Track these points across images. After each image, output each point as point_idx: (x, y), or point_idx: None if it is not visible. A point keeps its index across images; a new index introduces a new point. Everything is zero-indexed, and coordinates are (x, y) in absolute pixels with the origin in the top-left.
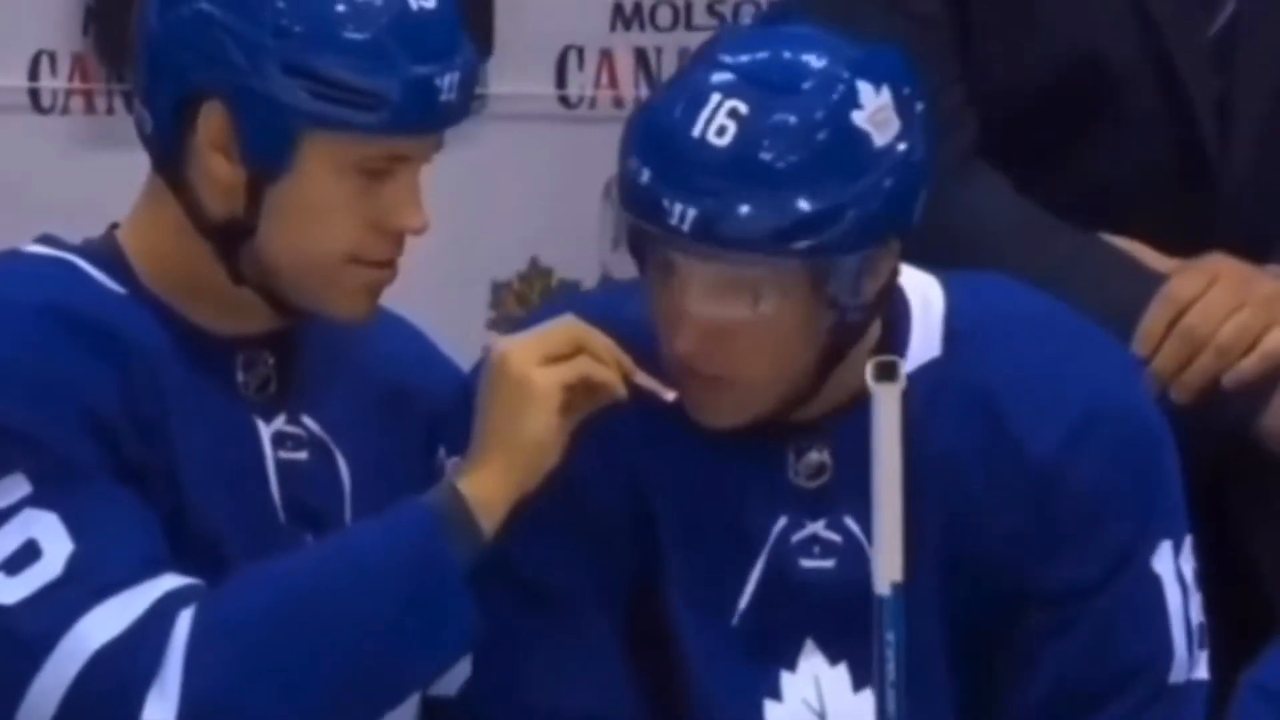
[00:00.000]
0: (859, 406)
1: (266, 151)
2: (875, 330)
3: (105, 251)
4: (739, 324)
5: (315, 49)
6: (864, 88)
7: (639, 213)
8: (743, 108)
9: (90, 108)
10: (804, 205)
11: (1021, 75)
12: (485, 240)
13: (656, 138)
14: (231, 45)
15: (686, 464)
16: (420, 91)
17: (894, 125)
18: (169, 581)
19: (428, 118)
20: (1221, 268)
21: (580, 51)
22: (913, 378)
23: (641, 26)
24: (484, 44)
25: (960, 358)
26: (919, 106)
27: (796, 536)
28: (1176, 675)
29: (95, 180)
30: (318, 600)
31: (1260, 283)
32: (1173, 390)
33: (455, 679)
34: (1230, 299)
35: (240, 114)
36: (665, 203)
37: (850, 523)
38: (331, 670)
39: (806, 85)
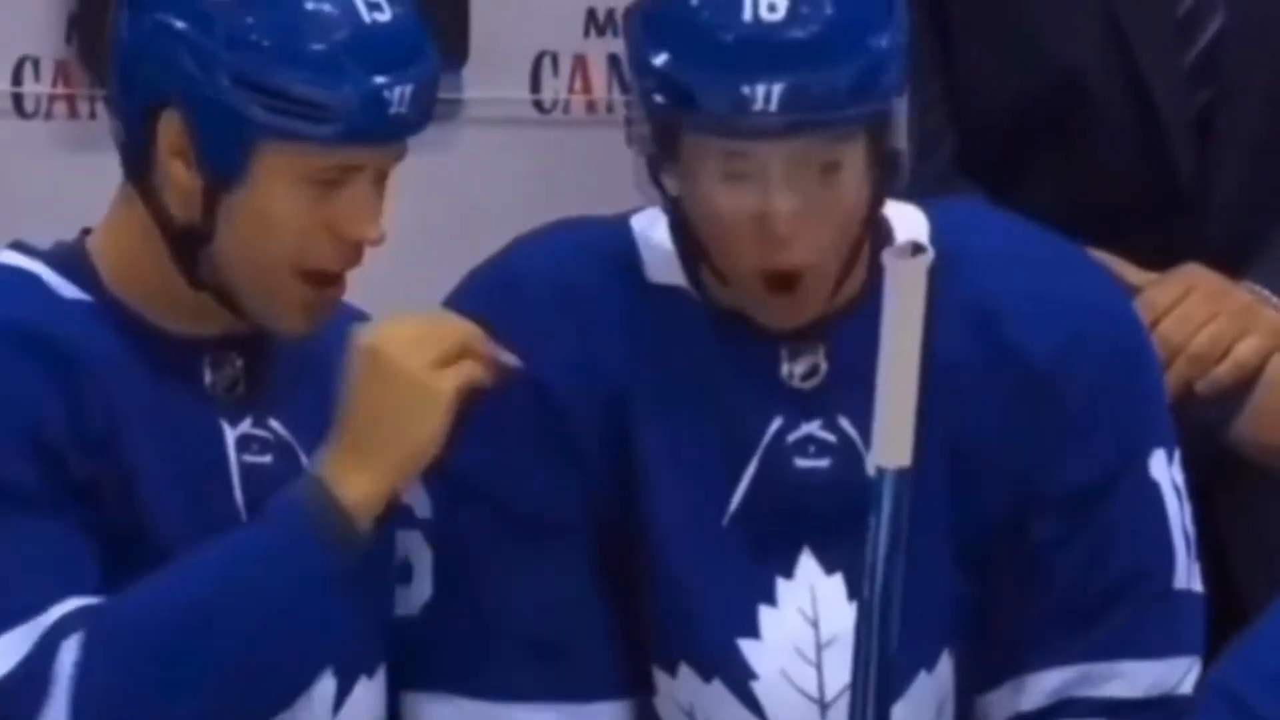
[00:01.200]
0: (852, 312)
1: (221, 160)
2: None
3: (71, 257)
4: (822, 202)
5: (267, 61)
6: None
7: (718, 110)
8: None
9: (73, 113)
10: (869, 50)
11: (1001, 92)
12: (460, 243)
13: (706, 34)
14: (186, 55)
15: (671, 377)
16: (370, 104)
17: None
18: (62, 608)
19: (378, 130)
20: (1197, 279)
21: (554, 57)
22: None
23: (615, 33)
24: (459, 50)
25: (952, 272)
26: None
27: (792, 436)
28: (1179, 581)
29: (78, 184)
30: (195, 614)
31: (1234, 294)
32: None
33: (416, 599)
34: (1205, 309)
35: (196, 123)
36: (745, 90)
37: (845, 423)
38: (212, 682)
39: None
